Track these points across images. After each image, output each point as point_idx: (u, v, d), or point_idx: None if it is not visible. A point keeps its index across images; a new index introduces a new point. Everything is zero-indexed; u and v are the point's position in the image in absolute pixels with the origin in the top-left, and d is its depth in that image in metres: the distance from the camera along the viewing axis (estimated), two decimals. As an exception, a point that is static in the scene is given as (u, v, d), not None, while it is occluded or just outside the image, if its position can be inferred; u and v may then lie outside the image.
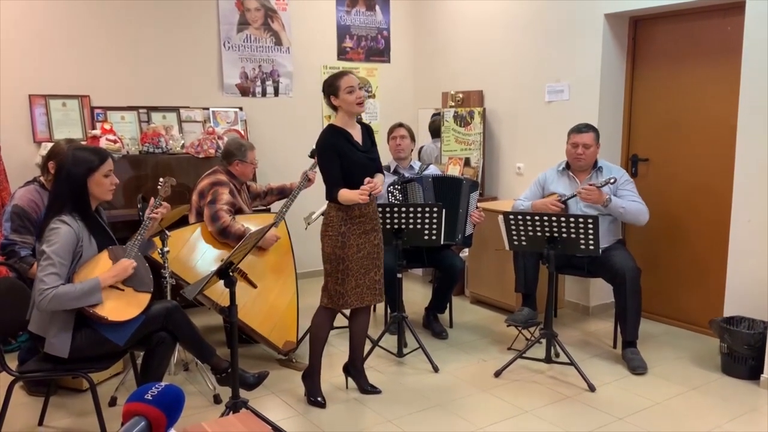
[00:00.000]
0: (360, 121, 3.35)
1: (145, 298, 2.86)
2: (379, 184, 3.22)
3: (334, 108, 3.25)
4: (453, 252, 4.43)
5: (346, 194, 3.13)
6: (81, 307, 2.67)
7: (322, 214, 4.15)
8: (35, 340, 2.77)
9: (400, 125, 4.51)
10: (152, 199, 3.14)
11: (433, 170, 4.56)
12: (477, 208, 4.34)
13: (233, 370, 2.86)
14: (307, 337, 4.15)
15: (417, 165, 4.54)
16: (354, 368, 3.54)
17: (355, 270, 3.22)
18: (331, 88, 3.18)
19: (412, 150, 4.55)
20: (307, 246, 5.13)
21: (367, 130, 3.33)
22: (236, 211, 3.91)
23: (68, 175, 2.77)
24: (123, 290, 2.81)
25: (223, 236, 3.79)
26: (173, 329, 2.94)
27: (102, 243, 2.86)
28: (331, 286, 3.25)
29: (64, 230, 2.68)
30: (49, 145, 3.90)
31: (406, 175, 4.42)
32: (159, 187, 3.26)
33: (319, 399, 3.35)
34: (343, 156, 3.16)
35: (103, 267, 2.78)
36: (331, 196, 3.20)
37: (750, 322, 3.71)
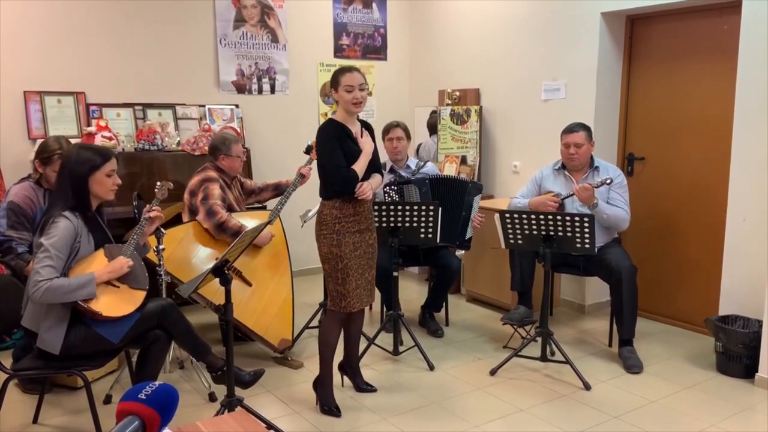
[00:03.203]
0: (361, 120, 3.30)
1: (140, 296, 2.85)
2: (367, 188, 3.11)
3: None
4: (449, 251, 4.42)
5: (359, 167, 3.09)
6: (76, 302, 2.66)
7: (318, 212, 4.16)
8: (29, 336, 2.76)
9: (396, 125, 4.43)
10: (147, 206, 3.13)
11: (430, 167, 4.53)
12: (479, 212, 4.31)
13: (228, 368, 2.86)
14: (303, 334, 4.18)
15: (413, 163, 4.50)
16: (350, 367, 3.53)
17: (355, 269, 3.16)
18: (333, 81, 3.14)
19: (407, 148, 4.53)
20: (303, 244, 5.13)
21: (368, 129, 3.28)
22: (227, 206, 3.89)
23: (70, 173, 2.78)
24: (118, 287, 2.80)
25: (220, 232, 3.76)
26: (168, 327, 2.93)
27: (100, 242, 2.86)
28: (332, 287, 3.18)
29: (64, 224, 2.68)
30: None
31: (403, 174, 4.40)
32: (156, 190, 3.26)
33: (333, 408, 3.25)
34: (342, 150, 3.09)
35: (99, 265, 2.78)
36: (343, 189, 3.10)
37: (745, 321, 3.73)
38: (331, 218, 3.14)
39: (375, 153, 3.30)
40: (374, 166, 3.29)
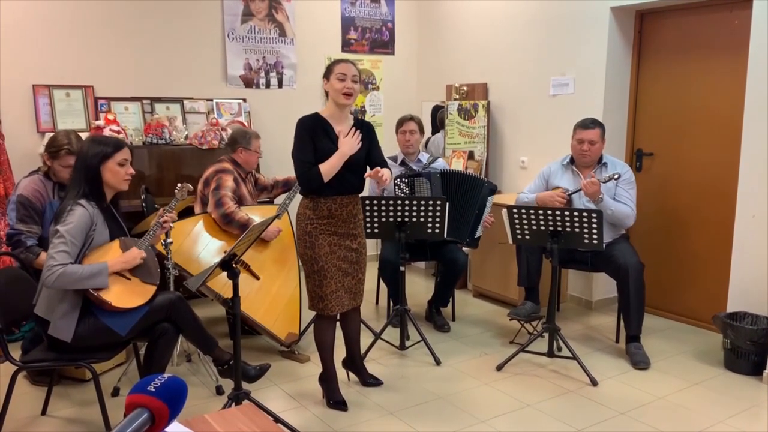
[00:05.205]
0: (360, 119, 3.21)
1: (150, 290, 2.87)
2: (386, 174, 3.00)
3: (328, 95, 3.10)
4: (456, 246, 4.42)
5: (327, 166, 2.95)
6: (86, 291, 2.68)
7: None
8: (40, 325, 2.78)
9: (411, 118, 4.42)
10: (161, 210, 3.14)
11: (441, 164, 4.53)
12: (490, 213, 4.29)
13: (236, 361, 2.87)
14: (310, 328, 4.19)
15: (424, 157, 4.50)
16: (354, 365, 3.52)
17: (333, 272, 3.06)
18: (326, 71, 3.09)
19: (419, 142, 4.53)
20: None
21: (363, 129, 3.13)
22: (238, 199, 3.91)
23: (84, 162, 2.81)
24: (130, 279, 2.82)
25: (226, 222, 3.78)
26: (176, 320, 2.94)
27: (115, 232, 2.89)
28: (311, 287, 3.11)
29: (80, 212, 2.71)
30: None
31: (414, 167, 4.39)
32: (176, 191, 3.28)
33: (340, 403, 3.22)
34: (314, 146, 3.00)
35: (113, 255, 2.81)
36: (306, 188, 3.03)
37: (753, 317, 3.71)
38: (304, 218, 3.06)
39: (377, 151, 3.21)
40: (377, 162, 3.20)
